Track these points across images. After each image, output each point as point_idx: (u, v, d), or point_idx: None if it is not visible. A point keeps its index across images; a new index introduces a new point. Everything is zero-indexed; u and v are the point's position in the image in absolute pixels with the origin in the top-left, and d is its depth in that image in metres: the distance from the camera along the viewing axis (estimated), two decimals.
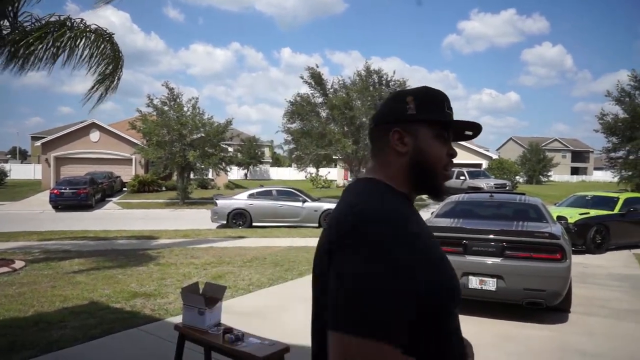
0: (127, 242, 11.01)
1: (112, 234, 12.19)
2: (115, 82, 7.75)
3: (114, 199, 23.59)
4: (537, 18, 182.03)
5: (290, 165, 41.56)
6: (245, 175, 51.47)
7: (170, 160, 20.90)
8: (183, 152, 20.60)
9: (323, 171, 32.13)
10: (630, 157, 19.61)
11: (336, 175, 38.79)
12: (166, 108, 20.88)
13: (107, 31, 7.69)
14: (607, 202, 10.81)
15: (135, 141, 25.77)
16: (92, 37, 7.29)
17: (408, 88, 1.12)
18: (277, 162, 60.96)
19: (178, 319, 4.04)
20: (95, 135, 29.33)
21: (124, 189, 27.61)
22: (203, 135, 21.21)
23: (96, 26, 7.65)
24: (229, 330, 2.80)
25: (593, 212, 10.24)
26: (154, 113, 20.89)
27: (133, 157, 27.62)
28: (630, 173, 20.62)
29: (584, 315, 5.28)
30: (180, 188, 21.79)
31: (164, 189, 27.43)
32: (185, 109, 21.21)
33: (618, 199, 10.81)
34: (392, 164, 0.99)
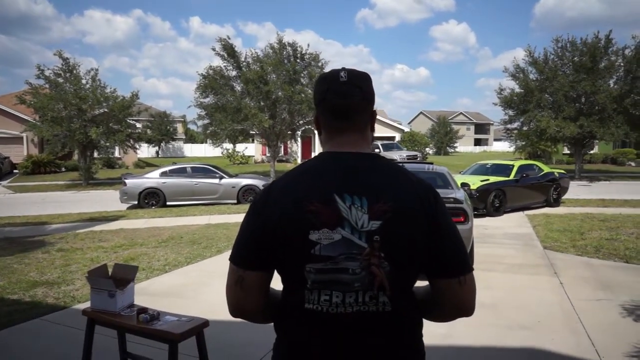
0: (22, 229, 9.98)
1: (2, 221, 10.97)
2: None
3: (4, 182, 21.21)
4: None
5: (205, 142, 40.10)
6: (157, 152, 48.89)
7: (69, 138, 19.11)
8: (84, 129, 18.91)
9: (240, 147, 31.50)
10: (524, 128, 21.61)
11: (254, 150, 38.27)
12: (61, 80, 18.94)
13: None
14: (504, 170, 11.87)
15: (26, 117, 23.20)
16: None
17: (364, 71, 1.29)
18: (191, 138, 58.54)
19: (87, 305, 3.76)
20: None
21: (15, 170, 24.90)
22: (106, 110, 19.63)
23: None
24: (143, 310, 2.66)
25: (492, 179, 11.19)
26: (47, 86, 18.86)
27: (24, 135, 24.89)
28: (523, 142, 22.78)
29: (484, 271, 5.78)
30: (83, 168, 20.13)
31: (63, 169, 25.17)
32: (83, 81, 19.41)
33: (513, 166, 11.91)
34: (369, 138, 1.27)
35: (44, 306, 4.68)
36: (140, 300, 4.65)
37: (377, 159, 1.23)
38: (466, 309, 1.22)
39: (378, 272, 1.12)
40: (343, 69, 1.23)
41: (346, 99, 1.21)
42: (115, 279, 2.83)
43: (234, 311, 1.25)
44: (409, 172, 1.24)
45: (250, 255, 1.18)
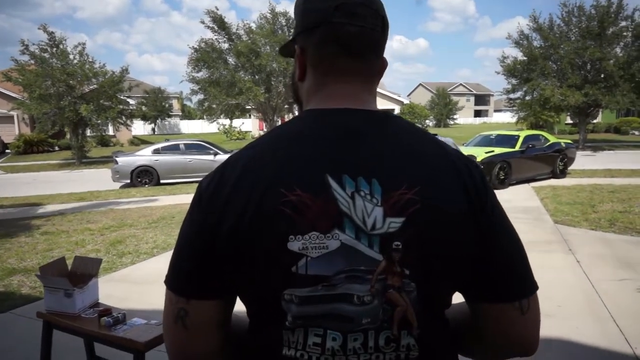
0: (9, 210, 9.58)
1: None
2: None
3: None
4: None
5: (202, 118, 39.42)
6: (153, 130, 48.20)
7: (58, 115, 18.52)
8: (74, 106, 18.32)
9: (237, 122, 30.85)
10: (527, 97, 21.00)
11: (251, 126, 37.58)
12: (47, 56, 18.20)
13: None
14: (509, 141, 11.39)
15: (16, 95, 22.52)
16: None
17: None
18: (188, 115, 57.73)
19: None
20: None
21: (7, 150, 24.38)
22: (96, 86, 18.98)
23: None
24: (106, 311, 2.25)
25: (497, 150, 10.73)
26: (32, 62, 18.17)
27: (14, 114, 24.23)
28: (526, 112, 22.23)
29: None
30: (75, 147, 19.62)
31: (57, 148, 24.68)
32: (71, 56, 18.68)
33: (518, 137, 11.43)
34: (375, 93, 0.84)
35: (17, 297, 4.30)
36: (122, 288, 4.29)
37: (394, 119, 0.80)
38: (527, 345, 0.81)
39: (400, 299, 0.72)
40: None
41: (364, 27, 0.77)
42: (75, 274, 2.42)
43: None
44: (441, 141, 0.80)
45: (195, 277, 0.76)
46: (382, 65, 0.84)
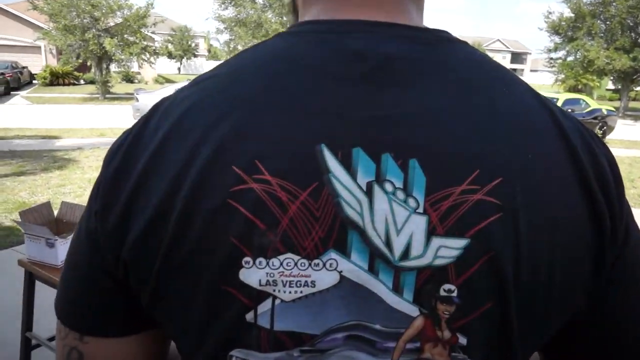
0: (30, 142, 9.61)
1: (12, 133, 10.61)
2: None
3: (22, 93, 20.85)
4: None
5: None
6: (179, 69, 47.79)
7: (83, 48, 18.29)
8: (98, 40, 18.03)
9: None
10: (569, 58, 19.76)
11: None
12: None
13: None
14: None
15: (42, 25, 22.28)
16: None
17: None
18: (214, 55, 56.84)
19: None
20: None
21: (34, 81, 24.48)
22: (121, 20, 18.55)
23: None
24: None
25: None
26: None
27: (42, 44, 24.11)
28: (565, 74, 21.04)
29: None
30: (100, 81, 19.50)
31: (82, 82, 24.63)
32: None
33: (557, 100, 10.76)
34: (422, 3, 0.48)
35: (21, 234, 4.22)
36: None
37: (458, 47, 0.44)
38: None
39: None
40: None
41: None
42: (62, 221, 2.24)
43: None
44: (541, 95, 0.45)
45: (88, 303, 0.47)
46: None
